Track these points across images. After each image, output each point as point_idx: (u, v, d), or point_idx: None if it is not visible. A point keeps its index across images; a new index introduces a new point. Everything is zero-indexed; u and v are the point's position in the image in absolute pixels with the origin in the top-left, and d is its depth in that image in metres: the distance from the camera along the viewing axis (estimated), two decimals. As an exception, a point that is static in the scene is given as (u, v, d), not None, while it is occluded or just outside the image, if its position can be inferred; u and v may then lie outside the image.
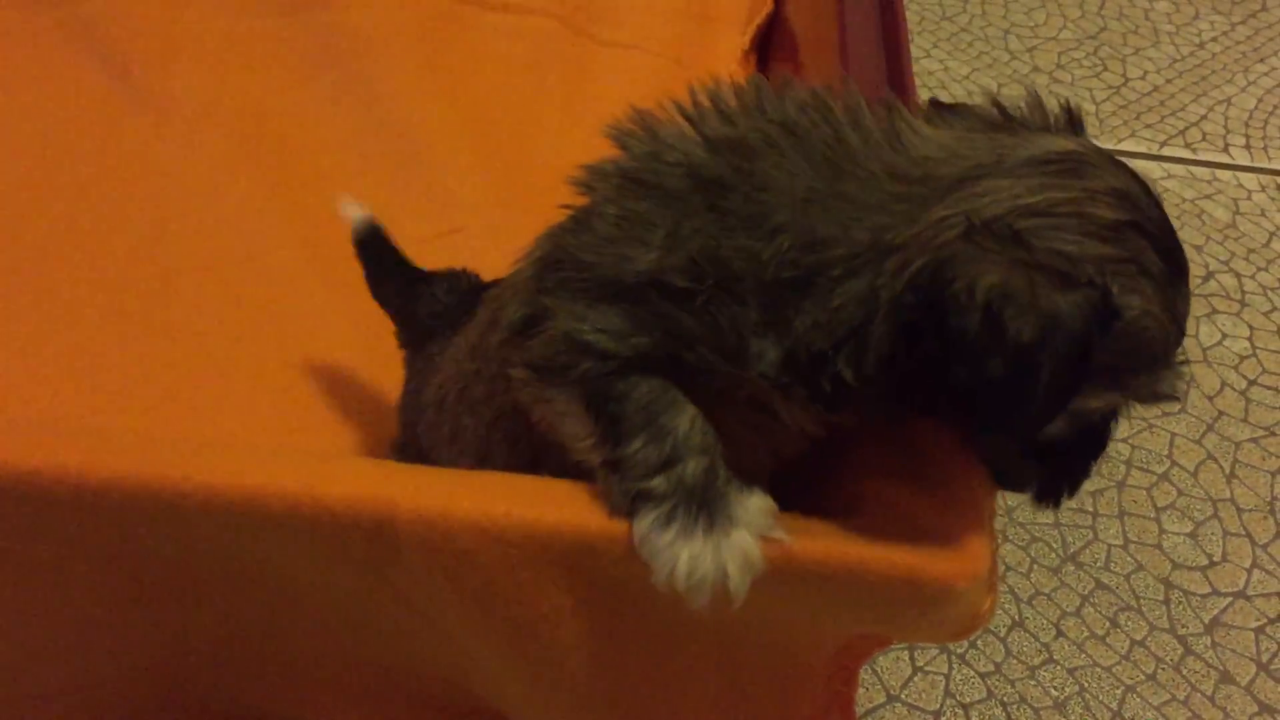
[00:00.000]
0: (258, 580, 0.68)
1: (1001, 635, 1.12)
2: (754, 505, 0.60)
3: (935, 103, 0.66)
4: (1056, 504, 0.67)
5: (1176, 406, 1.35)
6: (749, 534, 0.59)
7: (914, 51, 1.85)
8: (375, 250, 1.01)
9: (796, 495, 0.64)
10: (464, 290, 0.98)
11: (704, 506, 0.59)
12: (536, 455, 0.72)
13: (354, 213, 0.99)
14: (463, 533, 0.59)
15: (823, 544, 0.60)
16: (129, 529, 0.62)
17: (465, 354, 0.81)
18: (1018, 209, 0.56)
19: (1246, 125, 1.80)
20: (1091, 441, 0.65)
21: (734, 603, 0.58)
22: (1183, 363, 0.61)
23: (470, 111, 1.42)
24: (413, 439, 0.92)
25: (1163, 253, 0.57)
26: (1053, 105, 0.64)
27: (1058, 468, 0.66)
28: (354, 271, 1.01)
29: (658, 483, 0.59)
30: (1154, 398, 0.61)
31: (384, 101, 1.42)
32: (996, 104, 0.63)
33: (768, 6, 1.47)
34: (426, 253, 1.04)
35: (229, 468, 0.60)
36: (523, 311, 0.65)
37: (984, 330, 0.53)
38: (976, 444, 0.66)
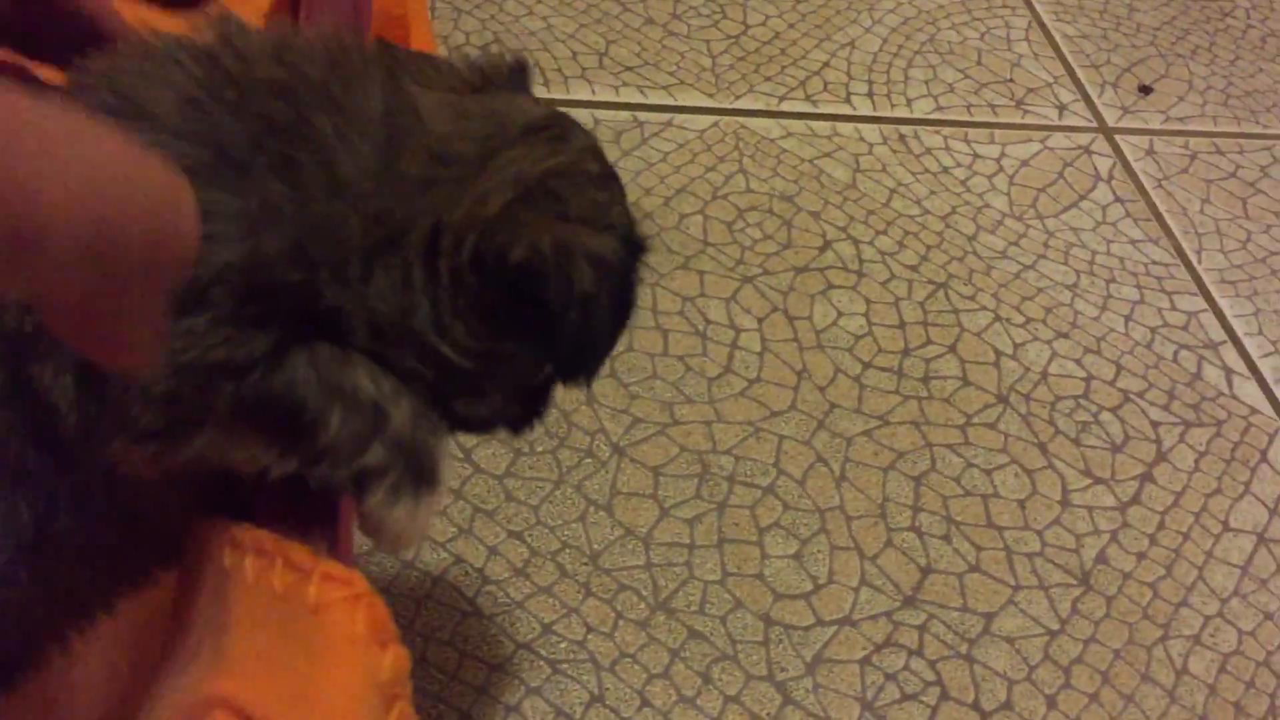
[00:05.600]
0: None
1: (576, 717, 0.97)
2: (446, 457, 0.59)
3: (382, 43, 0.63)
4: (530, 429, 0.69)
5: (788, 404, 1.23)
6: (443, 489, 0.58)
7: (515, 9, 1.65)
8: None
9: None
10: None
11: (421, 470, 0.56)
12: None
13: None
14: None
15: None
16: None
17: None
18: (544, 171, 0.59)
19: (870, 70, 1.70)
20: None
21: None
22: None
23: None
24: None
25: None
26: (504, 59, 0.65)
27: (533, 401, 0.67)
28: None
29: (375, 454, 0.54)
30: None
31: None
32: (471, 64, 0.64)
33: None
34: None
35: None
36: (68, 398, 0.50)
37: (558, 285, 0.56)
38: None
